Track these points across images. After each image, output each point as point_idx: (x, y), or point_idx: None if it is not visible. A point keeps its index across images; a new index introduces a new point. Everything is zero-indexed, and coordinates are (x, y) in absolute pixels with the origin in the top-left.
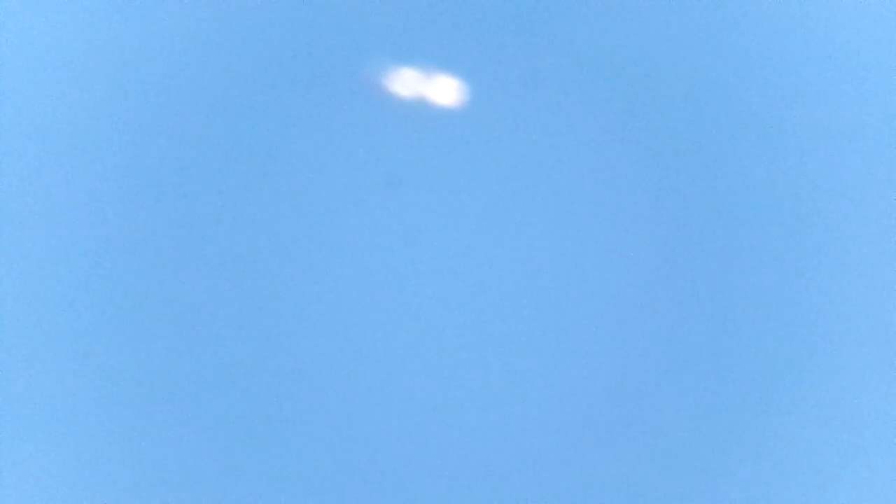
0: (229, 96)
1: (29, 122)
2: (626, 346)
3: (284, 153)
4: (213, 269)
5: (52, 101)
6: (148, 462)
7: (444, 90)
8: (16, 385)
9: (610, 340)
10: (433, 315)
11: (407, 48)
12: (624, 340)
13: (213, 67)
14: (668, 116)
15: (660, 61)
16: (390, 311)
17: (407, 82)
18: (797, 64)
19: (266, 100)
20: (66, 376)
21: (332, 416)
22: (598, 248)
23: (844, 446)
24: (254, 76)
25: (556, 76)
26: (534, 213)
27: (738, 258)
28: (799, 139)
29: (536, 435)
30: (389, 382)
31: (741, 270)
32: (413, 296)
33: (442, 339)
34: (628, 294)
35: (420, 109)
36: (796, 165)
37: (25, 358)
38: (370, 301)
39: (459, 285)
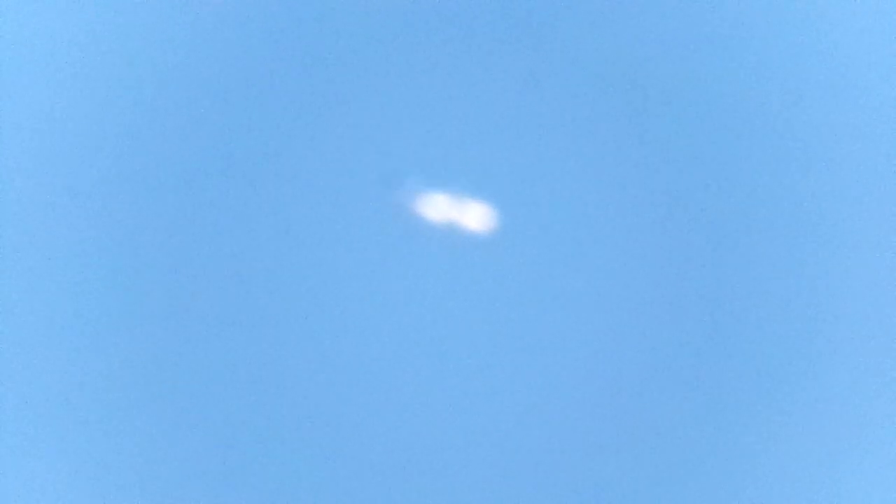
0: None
1: (27, 122)
2: (626, 346)
3: (276, 148)
4: (212, 270)
5: (47, 101)
6: (147, 462)
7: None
8: (15, 385)
9: (610, 341)
10: (432, 316)
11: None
12: (624, 341)
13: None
14: (668, 118)
15: (660, 64)
16: (390, 311)
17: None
18: (797, 64)
19: (262, 82)
20: (65, 375)
21: (332, 417)
22: (598, 249)
23: (844, 446)
24: (253, 75)
25: (555, 77)
26: (533, 214)
27: (738, 260)
28: (799, 139)
29: (536, 436)
30: (387, 384)
31: (741, 272)
32: (412, 296)
33: (441, 340)
34: (628, 295)
35: (419, 108)
36: (796, 165)
37: (25, 358)
38: (369, 302)
39: (459, 285)
